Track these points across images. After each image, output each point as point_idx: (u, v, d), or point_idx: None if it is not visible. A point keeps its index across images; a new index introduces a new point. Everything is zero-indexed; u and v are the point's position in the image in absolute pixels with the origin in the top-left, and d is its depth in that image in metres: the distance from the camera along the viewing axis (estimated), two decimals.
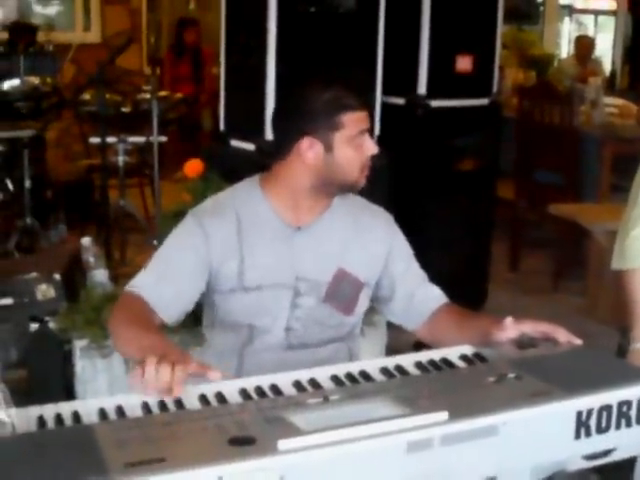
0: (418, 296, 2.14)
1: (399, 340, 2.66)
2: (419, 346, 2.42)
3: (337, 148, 1.99)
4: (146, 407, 1.49)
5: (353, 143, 1.98)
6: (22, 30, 7.11)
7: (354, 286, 2.10)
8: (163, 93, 6.34)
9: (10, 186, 5.00)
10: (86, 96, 5.57)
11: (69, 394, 3.03)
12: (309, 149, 1.99)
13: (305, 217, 2.08)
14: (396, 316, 2.20)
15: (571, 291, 5.29)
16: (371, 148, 2.00)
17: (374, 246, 2.13)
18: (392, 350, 3.20)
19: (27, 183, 4.98)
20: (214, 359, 2.13)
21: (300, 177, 2.03)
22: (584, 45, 8.76)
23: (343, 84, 2.03)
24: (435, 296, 2.16)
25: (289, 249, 2.05)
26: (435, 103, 4.37)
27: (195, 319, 2.30)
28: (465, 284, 4.44)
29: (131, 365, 2.94)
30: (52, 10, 8.98)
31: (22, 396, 3.02)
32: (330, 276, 2.07)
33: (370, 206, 2.20)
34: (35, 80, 5.79)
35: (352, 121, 1.97)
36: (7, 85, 5.66)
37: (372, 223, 2.15)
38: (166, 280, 2.00)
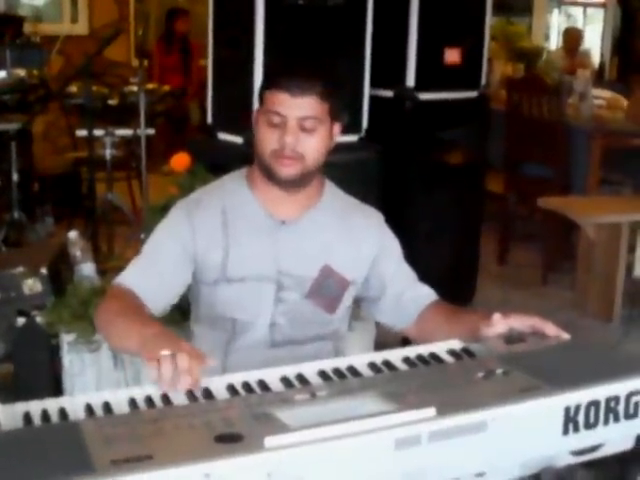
0: (407, 296, 2.14)
1: (387, 334, 2.64)
2: (407, 341, 2.42)
3: (257, 123, 2.01)
4: (133, 403, 1.48)
5: (268, 121, 1.96)
6: (8, 22, 7.06)
7: (339, 284, 2.09)
8: (150, 85, 6.31)
9: None
10: (73, 88, 5.54)
11: (57, 388, 3.02)
12: (253, 123, 2.03)
13: (291, 212, 2.07)
14: (385, 316, 2.19)
15: (560, 284, 5.30)
16: (284, 139, 1.94)
17: (363, 246, 2.12)
18: (380, 344, 3.20)
19: (14, 176, 4.96)
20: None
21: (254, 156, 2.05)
22: (572, 37, 8.77)
23: (286, 65, 2.06)
24: (424, 295, 2.15)
25: (272, 242, 2.05)
26: (423, 96, 4.37)
27: (183, 314, 2.29)
28: (454, 278, 4.46)
29: (120, 360, 2.94)
30: (40, 1, 8.92)
31: (9, 391, 3.03)
32: (315, 272, 2.06)
33: (361, 206, 2.19)
34: (21, 72, 5.75)
35: (270, 99, 1.96)
36: None
37: (362, 223, 2.14)
38: (152, 270, 2.01)
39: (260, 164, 2.02)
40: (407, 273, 2.19)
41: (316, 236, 2.08)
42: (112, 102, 5.73)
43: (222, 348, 2.07)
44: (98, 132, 4.99)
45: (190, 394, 1.52)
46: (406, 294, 2.14)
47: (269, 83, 1.99)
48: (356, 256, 2.11)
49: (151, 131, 4.94)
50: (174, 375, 1.54)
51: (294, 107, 1.93)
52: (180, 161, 3.37)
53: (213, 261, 2.03)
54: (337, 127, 2.05)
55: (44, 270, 3.10)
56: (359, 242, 2.12)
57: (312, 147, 1.97)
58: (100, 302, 2.00)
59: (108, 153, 5.12)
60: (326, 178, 2.15)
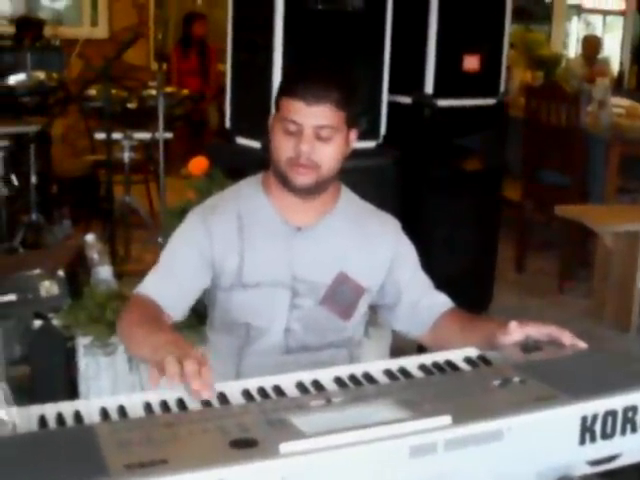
0: (423, 303, 2.13)
1: (404, 341, 2.63)
2: (423, 348, 2.41)
3: (273, 130, 2.00)
4: (148, 407, 1.48)
5: (283, 129, 1.95)
6: (29, 24, 7.11)
7: (354, 291, 2.09)
8: (169, 89, 6.33)
9: (15, 182, 4.99)
10: (92, 91, 5.56)
11: (72, 391, 3.03)
12: (269, 128, 2.03)
13: (306, 218, 2.07)
14: (400, 323, 2.18)
15: (577, 293, 5.28)
16: (299, 147, 1.94)
17: (379, 253, 2.11)
18: (397, 351, 3.19)
19: (33, 179, 4.98)
20: (215, 360, 2.13)
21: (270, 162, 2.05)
22: (591, 45, 8.75)
23: (303, 72, 2.04)
24: (440, 303, 2.14)
25: (288, 249, 2.04)
26: (442, 102, 4.36)
27: (199, 318, 2.29)
28: (471, 285, 4.44)
29: (135, 364, 2.94)
30: (61, 4, 8.97)
31: (25, 393, 3.03)
32: (330, 279, 2.06)
33: (377, 212, 2.18)
34: (41, 75, 5.77)
35: (286, 106, 1.95)
36: (13, 80, 5.64)
37: (378, 230, 2.13)
38: (171, 279, 2.02)
39: (275, 171, 2.02)
40: (423, 281, 2.18)
41: (331, 242, 2.08)
42: (131, 105, 5.76)
43: (236, 353, 2.07)
44: (117, 135, 5.01)
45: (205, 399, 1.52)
46: (422, 302, 2.13)
47: (285, 90, 1.98)
48: (372, 263, 2.11)
49: (169, 135, 4.95)
50: (181, 375, 1.52)
51: (310, 116, 1.93)
52: (198, 165, 3.38)
53: (229, 266, 2.03)
54: (353, 133, 2.04)
55: (61, 272, 3.11)
56: (375, 249, 2.11)
57: (328, 156, 1.96)
58: (122, 313, 2.00)
59: (126, 156, 5.14)
60: (342, 184, 2.15)
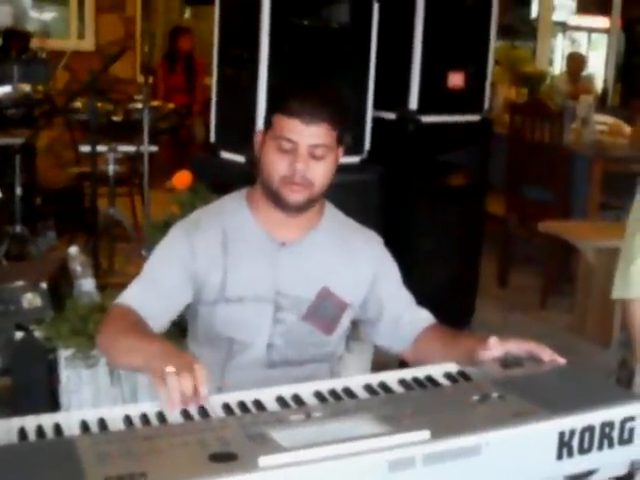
0: (405, 319, 2.14)
1: (385, 355, 2.64)
2: (405, 362, 2.42)
3: (265, 146, 2.00)
4: (128, 420, 1.49)
5: (277, 146, 1.96)
6: (16, 36, 7.10)
7: (337, 306, 2.09)
8: (155, 103, 6.34)
9: (0, 193, 4.98)
10: (78, 104, 5.57)
11: (54, 403, 3.02)
12: (257, 144, 2.04)
13: (291, 233, 2.07)
14: (382, 338, 2.19)
15: (559, 308, 5.30)
16: (295, 165, 1.94)
17: (362, 269, 2.12)
18: (378, 365, 3.19)
19: (17, 190, 4.97)
20: None
21: (257, 182, 2.06)
22: (576, 62, 8.81)
23: (298, 90, 2.04)
24: (422, 318, 2.15)
25: (272, 264, 2.05)
26: (426, 118, 4.38)
27: (182, 331, 2.29)
28: (453, 299, 4.45)
29: (117, 377, 2.94)
30: (48, 16, 8.97)
31: (6, 405, 3.02)
32: (313, 294, 2.07)
33: (361, 229, 2.20)
34: (27, 87, 5.77)
35: (280, 124, 1.95)
36: None
37: (362, 246, 2.14)
38: (153, 291, 2.01)
39: (266, 188, 2.02)
40: (405, 297, 2.19)
41: (316, 258, 2.08)
42: (116, 118, 5.76)
43: (219, 367, 2.06)
44: (101, 148, 5.01)
45: (185, 412, 1.52)
46: (404, 317, 2.14)
47: (280, 107, 1.97)
48: (355, 279, 2.12)
49: (154, 148, 4.95)
50: (181, 394, 1.54)
51: (306, 135, 1.94)
52: (182, 179, 3.39)
53: (213, 281, 2.03)
54: (341, 151, 2.06)
55: (44, 284, 3.11)
56: (358, 265, 2.12)
57: (321, 174, 1.98)
58: (102, 323, 2.00)
59: (111, 169, 5.14)
60: (326, 200, 2.16)
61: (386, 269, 2.17)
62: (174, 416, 1.50)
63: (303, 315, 2.07)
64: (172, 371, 1.57)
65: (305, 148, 1.94)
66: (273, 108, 2.01)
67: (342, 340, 2.21)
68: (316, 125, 1.94)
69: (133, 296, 2.01)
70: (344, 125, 2.03)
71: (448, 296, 4.34)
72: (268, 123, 2.00)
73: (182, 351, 1.72)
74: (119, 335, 1.87)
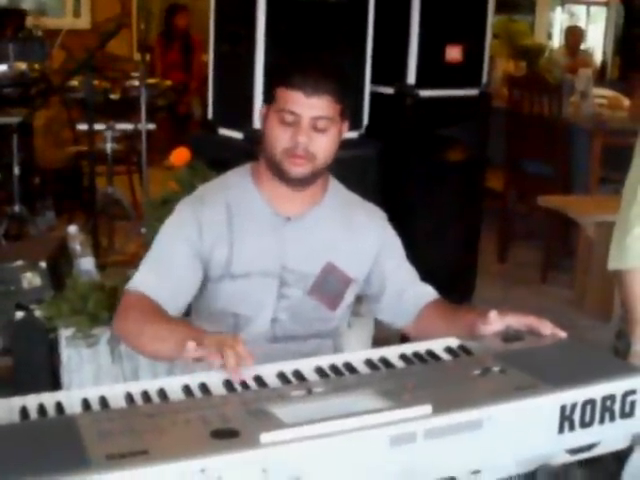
0: (408, 294, 2.14)
1: (386, 331, 2.64)
2: (406, 338, 2.42)
3: (268, 119, 1.99)
4: (129, 398, 1.49)
5: (280, 119, 1.95)
6: (11, 15, 7.06)
7: (342, 281, 2.10)
8: (152, 80, 6.30)
9: None
10: (74, 82, 5.53)
11: (55, 383, 3.02)
12: (261, 118, 2.03)
13: (295, 208, 2.07)
14: (385, 313, 2.19)
15: (559, 283, 5.30)
16: (297, 138, 1.94)
17: (366, 243, 2.12)
18: (379, 341, 3.20)
19: (15, 170, 4.95)
20: None
21: (261, 156, 2.05)
22: (574, 35, 8.77)
23: (300, 63, 2.04)
24: (425, 293, 2.15)
25: (277, 239, 2.05)
26: (424, 93, 4.37)
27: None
28: (453, 275, 4.46)
29: (117, 355, 2.94)
30: None
31: (8, 384, 3.03)
32: (318, 269, 2.07)
33: (364, 204, 2.19)
34: (23, 66, 5.73)
35: (283, 97, 1.95)
36: None
37: (365, 221, 2.14)
38: (165, 274, 2.00)
39: (269, 161, 2.01)
40: (408, 271, 2.19)
41: (320, 233, 2.08)
42: (113, 96, 5.73)
43: None
44: (99, 126, 4.99)
45: (186, 389, 1.52)
46: (407, 292, 2.14)
47: (282, 80, 1.97)
48: (358, 253, 2.12)
49: (152, 126, 4.94)
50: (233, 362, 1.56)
51: (308, 107, 1.93)
52: (180, 156, 3.38)
53: (218, 257, 2.03)
54: (345, 125, 2.05)
55: (43, 264, 3.11)
56: (361, 239, 2.12)
57: (324, 147, 1.97)
58: (119, 312, 1.98)
59: (109, 147, 5.12)
60: (330, 174, 2.15)
61: (389, 244, 2.17)
62: (175, 393, 1.50)
63: (308, 290, 2.07)
64: (215, 342, 1.60)
65: (307, 120, 1.94)
66: (276, 81, 2.00)
67: (346, 316, 2.21)
68: (318, 97, 1.93)
69: (146, 282, 1.99)
70: (347, 98, 2.02)
71: (448, 272, 4.34)
72: (271, 97, 2.00)
73: (211, 333, 1.73)
74: (142, 323, 1.87)
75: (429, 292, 2.16)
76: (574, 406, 1.47)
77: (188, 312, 2.22)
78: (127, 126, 5.20)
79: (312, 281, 2.07)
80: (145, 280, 2.00)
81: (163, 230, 2.08)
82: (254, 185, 2.08)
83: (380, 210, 2.22)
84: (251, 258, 2.03)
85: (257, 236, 2.04)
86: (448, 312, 2.07)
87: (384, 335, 3.07)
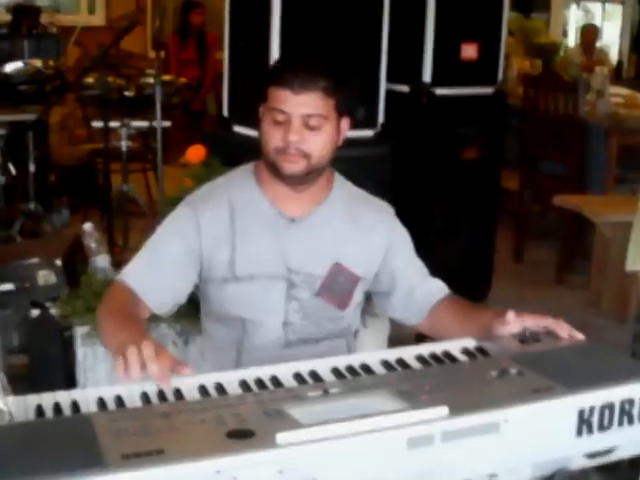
0: (419, 291, 2.11)
1: (402, 331, 2.64)
2: (421, 337, 2.41)
3: (262, 119, 1.98)
4: (145, 397, 1.48)
5: (272, 118, 1.93)
6: (26, 12, 7.07)
7: (350, 280, 2.07)
8: (167, 77, 6.31)
9: (13, 170, 4.97)
10: (89, 79, 5.54)
11: (70, 381, 3.02)
12: (259, 116, 2.01)
13: (299, 209, 2.05)
14: (397, 311, 2.17)
15: (575, 283, 5.28)
16: (288, 137, 1.91)
17: (373, 240, 2.10)
18: (395, 340, 3.18)
19: (31, 167, 4.96)
20: (213, 352, 2.13)
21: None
22: (589, 34, 8.72)
23: (289, 60, 2.03)
24: (436, 290, 2.13)
25: (281, 240, 2.03)
26: (440, 91, 4.35)
27: (196, 308, 2.29)
28: (469, 275, 4.44)
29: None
30: None
31: (23, 382, 3.03)
32: (325, 270, 2.05)
33: (371, 200, 2.17)
34: (38, 63, 5.74)
35: (274, 96, 1.93)
36: (10, 68, 5.61)
37: (372, 217, 2.12)
38: (155, 268, 1.99)
39: (266, 161, 2.00)
40: (418, 267, 2.17)
41: (325, 232, 2.06)
42: (128, 94, 5.74)
43: (234, 347, 2.05)
44: (114, 124, 4.99)
45: (202, 389, 1.51)
46: (418, 289, 2.12)
47: (272, 79, 1.95)
48: (366, 251, 2.09)
49: (167, 123, 4.93)
50: (139, 360, 1.52)
51: (297, 104, 1.91)
52: (195, 153, 3.37)
53: (220, 259, 2.01)
54: (345, 122, 2.02)
55: (59, 261, 3.11)
56: (369, 237, 2.10)
57: (317, 145, 1.94)
58: (103, 298, 1.98)
59: (124, 145, 5.12)
60: (335, 171, 2.13)
61: (398, 240, 2.15)
62: (191, 392, 1.49)
63: (316, 291, 2.05)
64: (133, 347, 1.55)
65: (298, 118, 1.91)
66: (267, 80, 1.98)
67: (357, 314, 2.19)
68: (307, 94, 1.90)
69: (134, 276, 1.98)
70: (343, 93, 1.98)
71: (464, 272, 4.33)
72: (264, 96, 1.98)
73: (154, 341, 1.67)
74: (106, 316, 1.86)
75: (440, 288, 2.13)
76: (592, 409, 1.45)
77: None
78: (142, 123, 5.20)
79: (320, 282, 2.05)
80: (133, 272, 1.99)
81: (162, 225, 2.06)
82: (257, 186, 2.06)
83: (388, 205, 2.19)
84: (255, 260, 2.01)
85: (261, 238, 2.02)
86: (462, 309, 2.05)
87: (400, 335, 3.06)
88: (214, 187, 2.12)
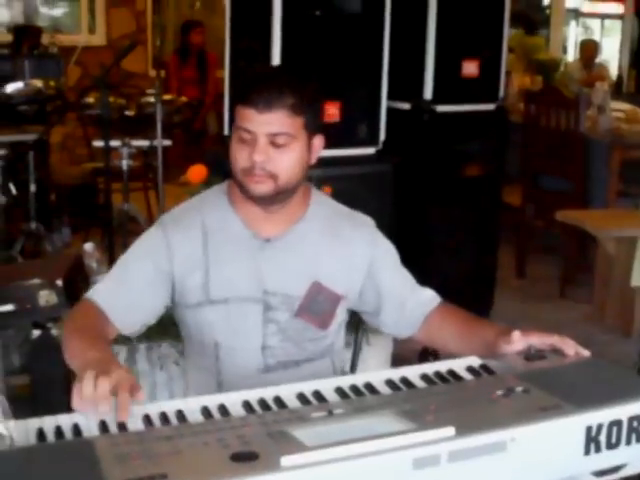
0: (409, 304, 2.07)
1: (405, 348, 2.63)
2: (425, 354, 2.39)
3: (232, 138, 1.93)
4: (147, 420, 1.46)
5: (239, 137, 1.89)
6: (27, 32, 7.11)
7: (330, 300, 2.02)
8: (168, 96, 6.31)
9: (14, 190, 4.97)
10: (90, 99, 5.55)
11: (71, 402, 3.00)
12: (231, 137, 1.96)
13: (274, 228, 2.00)
14: (389, 327, 2.13)
15: (578, 298, 5.26)
16: (252, 157, 1.86)
17: (354, 257, 2.04)
18: (398, 358, 3.17)
19: (32, 187, 4.96)
20: (195, 375, 2.10)
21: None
22: (588, 49, 8.73)
23: (254, 79, 1.94)
24: (427, 299, 2.08)
25: (256, 262, 1.98)
26: (441, 108, 4.36)
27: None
28: (471, 290, 4.43)
29: (135, 374, 2.92)
30: (58, 12, 8.97)
31: (25, 402, 3.01)
32: (303, 290, 1.99)
33: (352, 214, 2.11)
34: (39, 83, 5.75)
35: (240, 114, 1.88)
36: (11, 88, 5.62)
37: (352, 233, 2.06)
38: (124, 288, 1.96)
39: (235, 181, 1.95)
40: (406, 279, 2.11)
41: (302, 252, 2.01)
42: (129, 113, 5.74)
43: (214, 372, 2.01)
44: (115, 143, 4.98)
45: (205, 410, 1.50)
46: (408, 302, 2.07)
47: (238, 98, 1.90)
48: (347, 268, 2.04)
49: (168, 142, 4.93)
50: (94, 397, 1.49)
51: (262, 123, 1.85)
52: (197, 173, 3.37)
53: (193, 283, 1.97)
54: (319, 139, 1.97)
55: (60, 282, 3.09)
56: (349, 254, 2.04)
57: (285, 165, 1.88)
58: (70, 314, 1.96)
59: (125, 164, 5.10)
60: (312, 187, 2.08)
61: (381, 253, 2.09)
62: (194, 414, 1.48)
63: (295, 312, 1.99)
64: (92, 374, 1.52)
65: (264, 137, 1.86)
66: (235, 99, 1.95)
67: (341, 332, 2.13)
68: (272, 113, 1.85)
69: (102, 293, 1.96)
70: (312, 111, 1.93)
71: (466, 287, 4.31)
72: (233, 115, 1.93)
73: (120, 365, 1.64)
74: (74, 336, 1.82)
75: (432, 297, 2.09)
76: (600, 427, 1.44)
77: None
78: (143, 142, 5.19)
79: (299, 303, 1.99)
80: (102, 291, 1.96)
81: (134, 245, 2.03)
82: (230, 206, 2.01)
83: (369, 219, 2.12)
84: (229, 283, 1.97)
85: (235, 260, 1.98)
86: (461, 319, 2.02)
87: (403, 352, 3.05)
88: (186, 208, 2.06)
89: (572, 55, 11.32)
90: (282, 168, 1.88)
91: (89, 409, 1.48)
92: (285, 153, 1.88)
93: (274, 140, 1.86)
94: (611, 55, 11.32)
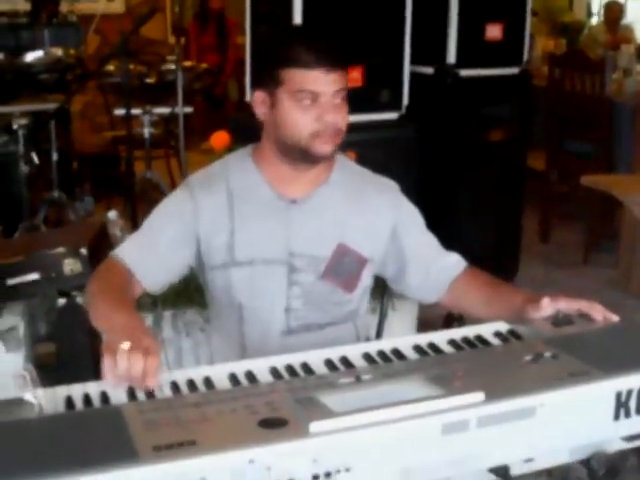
0: (435, 268, 2.05)
1: (431, 313, 2.62)
2: (450, 319, 2.38)
3: (279, 104, 1.89)
4: (175, 387, 1.47)
5: (295, 102, 1.86)
6: (45, 1, 7.07)
7: (356, 262, 2.01)
8: (188, 63, 6.30)
9: (36, 159, 4.97)
10: (110, 67, 5.54)
11: (97, 370, 3.02)
12: (260, 104, 1.94)
13: (300, 190, 1.99)
14: (413, 291, 2.11)
15: (603, 263, 5.23)
16: (325, 118, 1.86)
17: (378, 221, 2.03)
18: (423, 323, 3.16)
19: (54, 156, 4.96)
20: (219, 340, 2.11)
21: (264, 139, 1.98)
22: (613, 11, 8.61)
23: (302, 40, 1.92)
24: (453, 264, 2.06)
25: (282, 223, 1.97)
26: (464, 72, 4.32)
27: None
28: (497, 255, 4.41)
29: (160, 342, 2.93)
30: None
31: (50, 370, 3.03)
32: (329, 251, 1.98)
33: (375, 178, 2.10)
34: (59, 52, 5.75)
35: (293, 78, 1.85)
36: (31, 57, 5.62)
37: (376, 197, 2.05)
38: (150, 247, 1.96)
39: (289, 146, 1.91)
40: (431, 243, 2.10)
41: (328, 214, 2.00)
42: (150, 80, 5.74)
43: (238, 335, 2.02)
44: (136, 111, 4.97)
45: (233, 377, 1.50)
46: (433, 266, 2.06)
47: (292, 61, 1.86)
48: (372, 231, 2.03)
49: (189, 109, 4.92)
50: (126, 373, 1.48)
51: (329, 82, 1.85)
52: (220, 139, 3.36)
53: (218, 244, 1.97)
54: None
55: (84, 250, 3.09)
56: (374, 217, 2.03)
57: (346, 119, 1.91)
58: (93, 274, 1.95)
59: (146, 131, 5.10)
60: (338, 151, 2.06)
61: (405, 217, 2.08)
62: (222, 381, 1.48)
63: (321, 274, 1.99)
64: (125, 348, 1.51)
65: (331, 97, 1.86)
66: (281, 64, 1.88)
67: (365, 297, 2.12)
68: (337, 71, 1.86)
69: (129, 252, 1.96)
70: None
71: (491, 253, 4.30)
72: (275, 80, 1.88)
73: (146, 330, 1.64)
74: (97, 296, 1.83)
75: (457, 261, 2.07)
76: (630, 392, 1.42)
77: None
78: (164, 110, 5.18)
79: (324, 264, 1.99)
80: (128, 250, 1.97)
81: (160, 206, 2.03)
82: (256, 168, 2.01)
83: (393, 183, 2.11)
84: (254, 244, 1.97)
85: (260, 221, 1.97)
86: (487, 284, 2.00)
87: (429, 317, 3.05)
88: (212, 171, 2.06)
89: (597, 17, 11.16)
90: (345, 122, 1.91)
91: (122, 385, 1.48)
92: (344, 108, 1.91)
93: (336, 98, 1.88)
94: (636, 17, 11.15)
